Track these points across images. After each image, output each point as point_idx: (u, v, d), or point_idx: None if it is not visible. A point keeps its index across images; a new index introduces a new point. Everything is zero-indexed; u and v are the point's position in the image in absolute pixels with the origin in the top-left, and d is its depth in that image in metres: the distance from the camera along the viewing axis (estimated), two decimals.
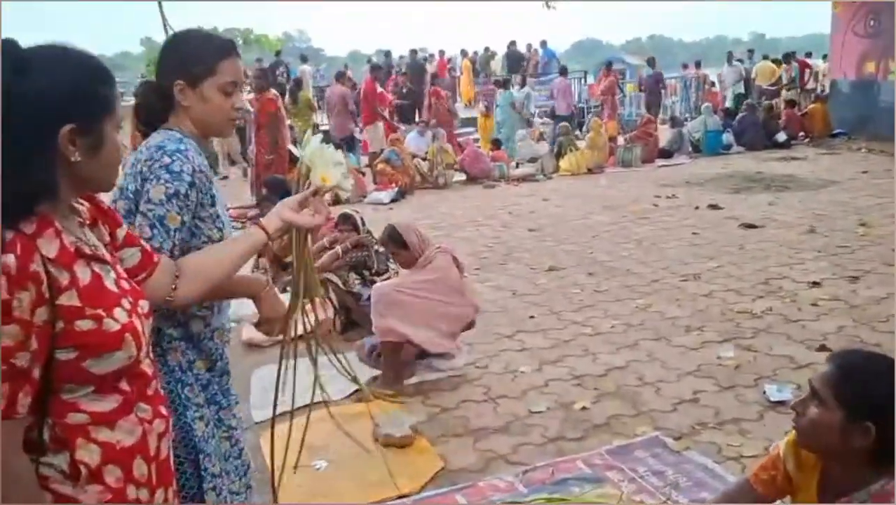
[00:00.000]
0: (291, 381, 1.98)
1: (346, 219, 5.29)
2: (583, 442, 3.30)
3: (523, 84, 14.96)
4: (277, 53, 20.48)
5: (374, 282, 4.67)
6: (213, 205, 1.83)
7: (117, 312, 1.29)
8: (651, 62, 16.86)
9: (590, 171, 11.59)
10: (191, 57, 1.82)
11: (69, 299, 1.22)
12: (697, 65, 18.42)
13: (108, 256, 1.39)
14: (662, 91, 16.76)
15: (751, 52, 17.67)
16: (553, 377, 3.98)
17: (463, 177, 11.38)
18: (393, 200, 9.85)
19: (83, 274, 1.26)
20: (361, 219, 5.30)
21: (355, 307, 4.77)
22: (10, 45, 1.23)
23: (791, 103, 14.48)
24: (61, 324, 1.21)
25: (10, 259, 1.15)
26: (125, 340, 1.28)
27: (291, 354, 1.98)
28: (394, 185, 10.19)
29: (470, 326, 4.25)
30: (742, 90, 16.20)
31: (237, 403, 2.04)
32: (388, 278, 4.70)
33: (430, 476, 3.08)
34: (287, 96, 12.03)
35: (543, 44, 20.53)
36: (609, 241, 7.06)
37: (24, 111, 1.20)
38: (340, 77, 13.35)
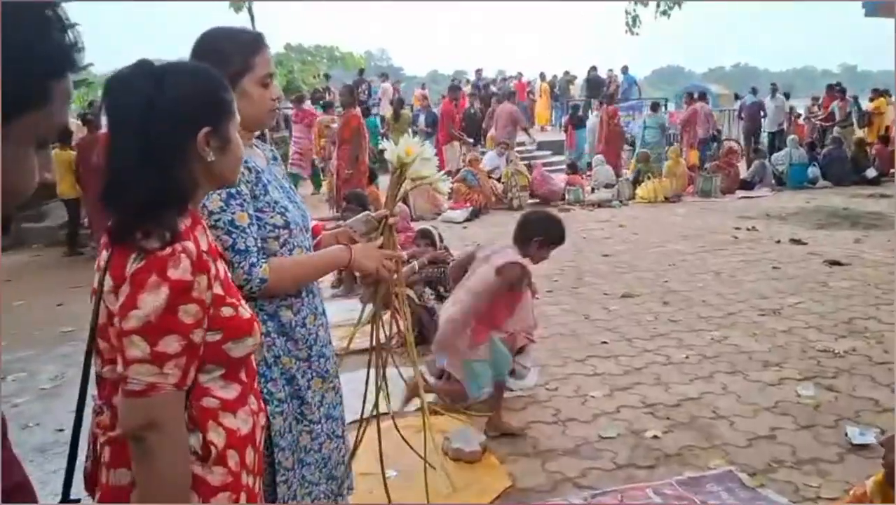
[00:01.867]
0: (371, 388, 2.07)
1: (424, 235, 5.39)
2: (653, 471, 3.27)
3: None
4: (361, 72, 21.02)
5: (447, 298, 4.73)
6: (266, 193, 1.89)
7: (243, 303, 1.42)
8: (754, 91, 16.60)
9: (667, 199, 11.44)
10: (225, 56, 1.83)
11: (217, 288, 1.35)
12: (786, 95, 17.93)
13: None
14: (763, 119, 16.30)
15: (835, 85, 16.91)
16: (624, 404, 3.96)
17: (536, 199, 11.41)
18: (467, 219, 9.95)
19: (220, 268, 1.40)
20: (440, 235, 5.39)
21: (428, 322, 4.85)
22: (146, 63, 1.38)
23: (885, 140, 13.96)
24: (212, 309, 1.34)
25: (191, 246, 1.30)
26: (255, 327, 1.42)
27: (374, 363, 2.07)
28: (468, 204, 10.29)
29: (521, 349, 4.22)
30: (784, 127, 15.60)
31: (334, 386, 2.09)
32: None
33: (498, 493, 3.11)
34: (391, 113, 12.57)
35: (624, 69, 20.40)
36: (685, 270, 6.96)
37: (166, 120, 1.33)
38: (453, 91, 13.76)
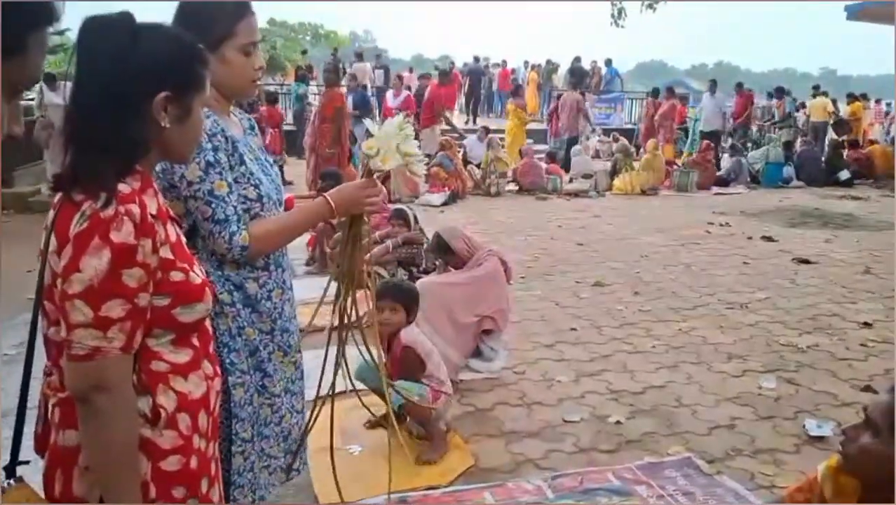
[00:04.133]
0: (325, 366, 2.05)
1: (398, 215, 5.39)
2: (614, 455, 3.30)
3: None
4: (335, 51, 20.92)
5: (420, 278, 4.74)
6: (242, 164, 1.86)
7: (196, 268, 1.41)
8: (713, 86, 16.36)
9: (644, 192, 11.52)
10: (208, 20, 1.79)
11: (165, 252, 1.33)
12: (770, 95, 17.87)
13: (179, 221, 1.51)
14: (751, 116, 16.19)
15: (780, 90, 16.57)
16: (590, 389, 3.99)
17: (515, 186, 11.42)
18: (444, 204, 9.95)
19: (171, 231, 1.38)
20: (415, 216, 5.39)
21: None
22: (127, 16, 1.35)
23: (855, 143, 14.15)
24: (159, 273, 1.32)
25: (135, 209, 1.27)
26: (205, 293, 1.41)
27: (335, 340, 2.05)
28: (446, 188, 10.28)
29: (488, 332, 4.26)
30: (718, 126, 15.00)
31: (295, 361, 2.06)
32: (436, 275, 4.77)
33: (460, 472, 3.12)
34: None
35: (608, 62, 20.47)
36: (657, 262, 7.02)
37: (129, 73, 1.31)
38: (444, 76, 13.81)
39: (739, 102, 15.45)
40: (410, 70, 21.08)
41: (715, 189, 12.16)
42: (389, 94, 13.14)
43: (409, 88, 13.93)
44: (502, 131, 14.53)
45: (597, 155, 14.05)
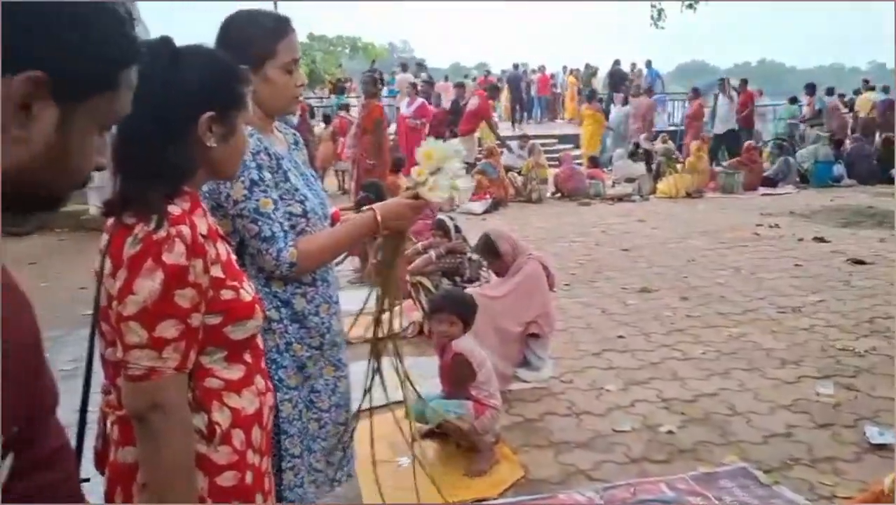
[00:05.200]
0: (373, 379, 2.05)
1: (439, 226, 5.39)
2: (667, 465, 3.24)
3: (625, 103, 14.79)
4: (372, 63, 21.10)
5: (464, 288, 4.73)
6: (286, 180, 1.87)
7: (246, 285, 1.42)
8: (722, 86, 15.19)
9: (688, 194, 11.35)
10: (249, 41, 1.81)
11: (216, 271, 1.35)
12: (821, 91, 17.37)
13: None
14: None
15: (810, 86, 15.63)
16: (639, 398, 3.93)
17: (557, 192, 11.36)
18: (486, 211, 9.93)
19: (221, 250, 1.39)
20: (456, 226, 5.38)
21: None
22: (167, 40, 1.38)
23: None
24: (211, 292, 1.34)
25: (186, 230, 1.29)
26: (256, 310, 1.42)
27: (374, 352, 2.05)
28: (488, 196, 10.27)
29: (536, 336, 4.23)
30: (735, 126, 14.54)
31: (345, 375, 2.07)
32: (479, 287, 4.76)
33: (510, 483, 3.10)
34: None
35: (648, 64, 20.26)
36: (705, 266, 6.89)
37: (172, 98, 1.33)
38: (493, 90, 13.84)
39: (741, 101, 14.83)
40: (446, 78, 21.11)
41: (762, 190, 11.93)
42: (403, 102, 12.81)
43: (427, 97, 13.67)
44: (543, 137, 14.48)
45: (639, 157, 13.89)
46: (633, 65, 20.73)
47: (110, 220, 1.39)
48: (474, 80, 19.67)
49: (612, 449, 3.39)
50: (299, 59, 1.95)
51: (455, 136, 11.05)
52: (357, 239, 1.98)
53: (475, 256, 5.08)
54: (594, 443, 3.45)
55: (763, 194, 11.64)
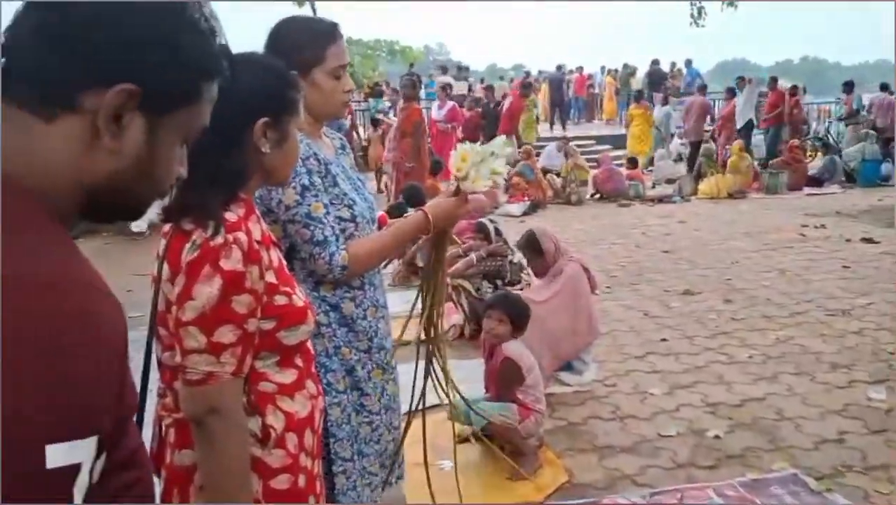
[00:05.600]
0: (425, 381, 2.06)
1: (479, 229, 5.38)
2: (714, 471, 3.19)
3: (664, 103, 14.61)
4: (411, 66, 21.18)
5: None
6: (335, 185, 1.88)
7: (298, 291, 1.43)
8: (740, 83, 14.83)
9: (730, 195, 11.16)
10: (299, 45, 1.83)
11: (270, 277, 1.37)
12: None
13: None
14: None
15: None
16: (684, 402, 3.87)
17: (596, 194, 11.27)
18: (525, 213, 9.89)
19: (274, 256, 1.41)
20: (496, 229, 5.37)
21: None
22: (223, 48, 1.40)
23: None
24: (265, 297, 1.35)
25: (242, 236, 1.31)
26: (308, 315, 1.43)
27: (423, 355, 2.06)
28: (526, 197, 10.23)
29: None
30: (750, 116, 14.11)
31: (394, 378, 2.08)
32: (521, 290, 4.74)
33: (554, 487, 3.08)
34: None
35: (688, 63, 19.99)
36: (749, 268, 6.77)
37: (229, 105, 1.34)
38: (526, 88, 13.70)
39: (770, 100, 14.39)
40: (482, 81, 21.08)
41: (807, 190, 11.68)
42: (434, 105, 12.69)
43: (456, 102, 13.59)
44: (580, 138, 14.39)
45: (679, 158, 13.73)
46: (673, 64, 20.48)
47: (167, 226, 1.41)
48: (511, 81, 19.64)
49: (657, 454, 3.34)
50: (347, 64, 1.96)
51: (490, 138, 11.05)
52: (407, 241, 2.01)
53: (516, 259, 5.06)
54: (639, 447, 3.41)
55: (808, 194, 11.40)
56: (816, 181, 12.05)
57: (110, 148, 0.80)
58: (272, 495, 1.39)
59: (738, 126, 13.90)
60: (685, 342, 4.81)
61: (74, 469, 0.69)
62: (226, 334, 1.29)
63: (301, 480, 1.43)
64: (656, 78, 18.51)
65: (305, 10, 18.56)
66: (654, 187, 11.75)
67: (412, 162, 9.14)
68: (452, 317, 4.82)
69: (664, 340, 4.85)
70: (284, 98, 1.46)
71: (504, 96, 14.72)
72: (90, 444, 0.71)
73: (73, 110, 0.78)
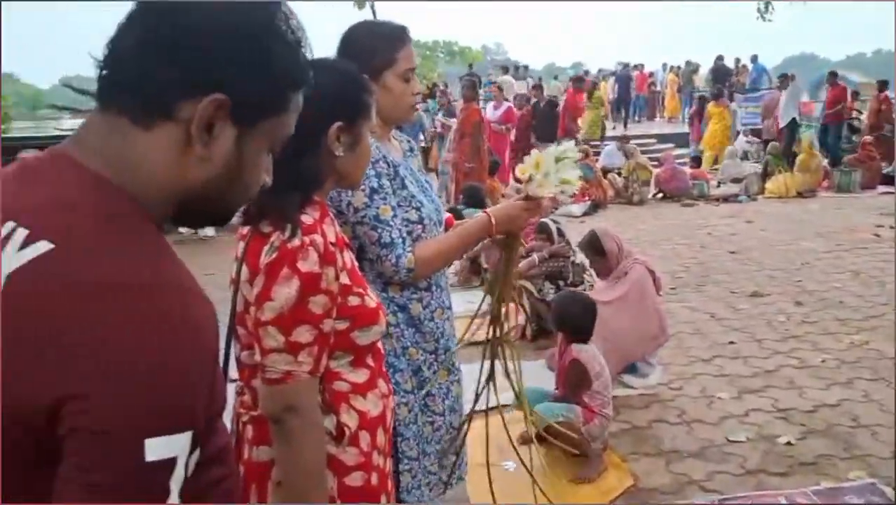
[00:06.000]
0: (488, 382, 2.06)
1: (542, 229, 5.34)
2: (786, 478, 3.11)
3: (730, 100, 14.25)
4: (470, 66, 21.20)
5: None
6: (403, 188, 1.90)
7: (370, 292, 1.45)
8: (783, 80, 14.24)
9: (799, 194, 10.82)
10: (370, 50, 1.85)
11: (344, 278, 1.40)
12: None
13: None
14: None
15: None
16: (754, 407, 3.78)
17: (659, 193, 11.07)
18: (585, 214, 9.79)
19: (347, 258, 1.43)
20: (558, 229, 5.33)
21: (547, 316, 4.81)
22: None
23: None
24: (340, 298, 1.38)
25: (318, 238, 1.35)
26: (380, 316, 1.46)
27: (490, 354, 2.07)
28: (587, 198, 10.13)
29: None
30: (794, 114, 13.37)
31: (458, 379, 2.09)
32: (583, 291, 4.70)
33: (619, 491, 3.05)
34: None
35: (754, 58, 19.42)
36: (820, 270, 6.56)
37: (305, 109, 1.38)
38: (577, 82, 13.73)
39: (831, 96, 13.65)
40: (540, 80, 20.92)
41: (881, 188, 11.22)
42: (489, 106, 12.46)
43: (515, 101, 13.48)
44: (642, 136, 14.16)
45: (745, 157, 13.37)
46: (738, 60, 19.92)
47: (245, 229, 1.45)
48: (570, 79, 19.46)
49: (726, 459, 3.27)
50: (415, 67, 1.98)
51: (540, 137, 11.06)
52: (471, 243, 2.02)
53: (578, 260, 5.02)
54: (707, 452, 3.34)
55: (882, 193, 10.96)
56: (892, 180, 11.58)
57: (202, 156, 0.83)
58: (346, 492, 1.42)
59: (782, 125, 13.45)
60: (754, 345, 4.69)
61: (171, 463, 0.73)
62: (303, 334, 1.32)
63: (374, 478, 1.45)
64: (720, 74, 18.07)
65: (366, 13, 18.78)
66: (719, 186, 11.47)
67: (471, 162, 9.16)
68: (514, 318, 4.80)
69: (732, 342, 4.74)
70: (358, 102, 1.49)
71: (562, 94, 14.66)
72: (186, 438, 0.74)
73: (169, 119, 0.81)
